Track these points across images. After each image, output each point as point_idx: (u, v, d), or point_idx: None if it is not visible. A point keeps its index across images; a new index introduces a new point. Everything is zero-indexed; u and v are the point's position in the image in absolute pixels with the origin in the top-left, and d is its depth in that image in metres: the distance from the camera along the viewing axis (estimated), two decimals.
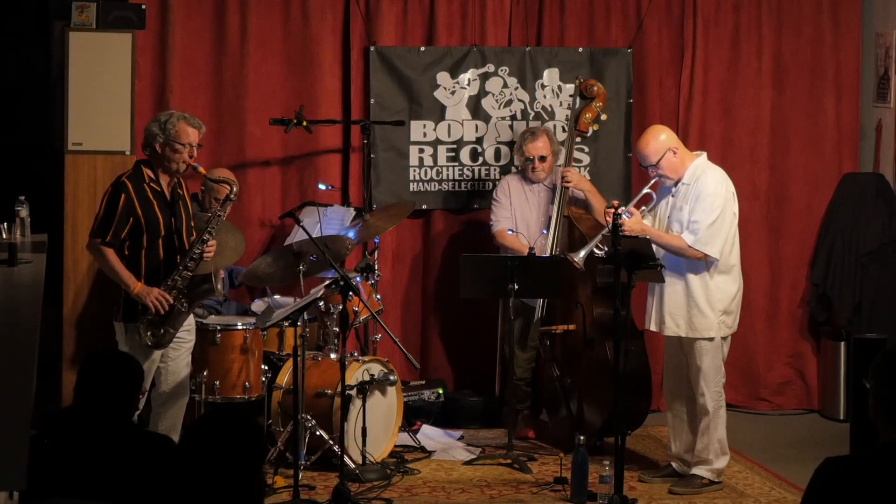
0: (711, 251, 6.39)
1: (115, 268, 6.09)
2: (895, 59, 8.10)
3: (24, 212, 5.91)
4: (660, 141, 6.49)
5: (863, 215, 8.17)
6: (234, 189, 6.31)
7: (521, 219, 7.51)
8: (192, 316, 6.34)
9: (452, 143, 8.05)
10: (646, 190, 6.62)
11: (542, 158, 7.47)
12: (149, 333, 6.06)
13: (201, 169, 6.24)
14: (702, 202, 6.41)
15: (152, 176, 6.17)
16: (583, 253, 6.55)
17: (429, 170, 8.05)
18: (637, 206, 6.52)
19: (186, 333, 6.31)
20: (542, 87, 8.10)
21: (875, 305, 8.09)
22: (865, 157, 8.39)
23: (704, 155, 6.62)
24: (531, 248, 7.14)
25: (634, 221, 6.41)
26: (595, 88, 7.45)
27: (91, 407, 4.23)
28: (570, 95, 7.88)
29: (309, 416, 6.62)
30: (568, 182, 7.33)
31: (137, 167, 6.21)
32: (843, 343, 8.11)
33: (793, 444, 7.57)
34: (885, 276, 8.09)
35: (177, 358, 6.27)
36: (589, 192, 7.43)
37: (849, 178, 8.33)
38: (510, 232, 7.43)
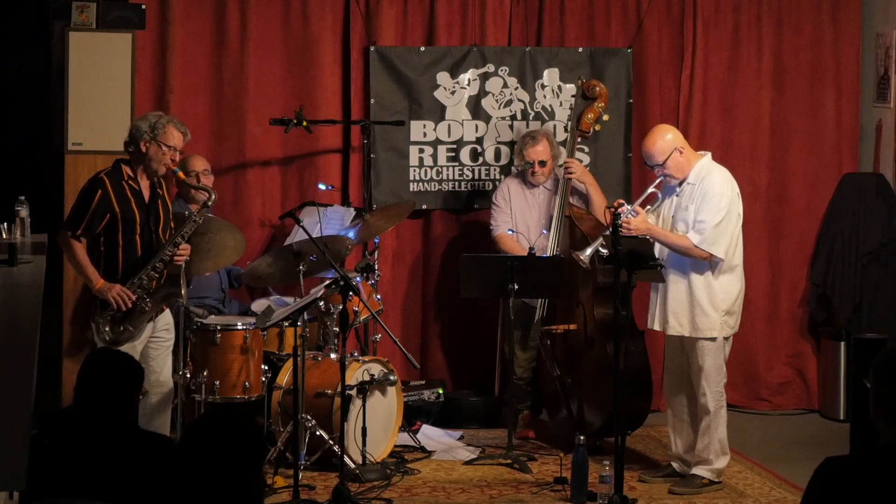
0: (717, 251, 6.38)
1: (80, 262, 6.09)
2: (895, 59, 8.10)
3: (24, 212, 5.90)
4: (666, 140, 6.49)
5: (863, 215, 8.17)
6: (213, 197, 6.32)
7: (521, 221, 7.51)
8: (169, 314, 6.33)
9: (452, 143, 8.04)
10: (651, 189, 6.61)
11: (542, 163, 7.47)
12: (107, 329, 6.04)
13: (181, 174, 6.28)
14: (708, 202, 6.40)
15: (131, 174, 6.16)
16: (589, 251, 6.55)
17: (429, 170, 8.04)
18: (642, 206, 6.52)
19: (165, 332, 6.30)
20: (543, 87, 8.10)
21: (875, 305, 8.09)
22: (865, 157, 8.39)
23: (709, 155, 6.61)
24: (531, 248, 7.14)
25: (640, 220, 6.40)
26: (597, 89, 7.45)
27: (91, 407, 4.24)
28: (572, 96, 7.89)
29: (309, 416, 6.61)
30: (571, 173, 7.32)
31: (117, 165, 6.20)
32: (843, 343, 8.11)
33: (793, 444, 7.57)
34: (885, 276, 8.09)
35: (157, 357, 6.27)
36: (591, 186, 7.43)
37: (849, 177, 8.33)
38: (510, 232, 7.43)
